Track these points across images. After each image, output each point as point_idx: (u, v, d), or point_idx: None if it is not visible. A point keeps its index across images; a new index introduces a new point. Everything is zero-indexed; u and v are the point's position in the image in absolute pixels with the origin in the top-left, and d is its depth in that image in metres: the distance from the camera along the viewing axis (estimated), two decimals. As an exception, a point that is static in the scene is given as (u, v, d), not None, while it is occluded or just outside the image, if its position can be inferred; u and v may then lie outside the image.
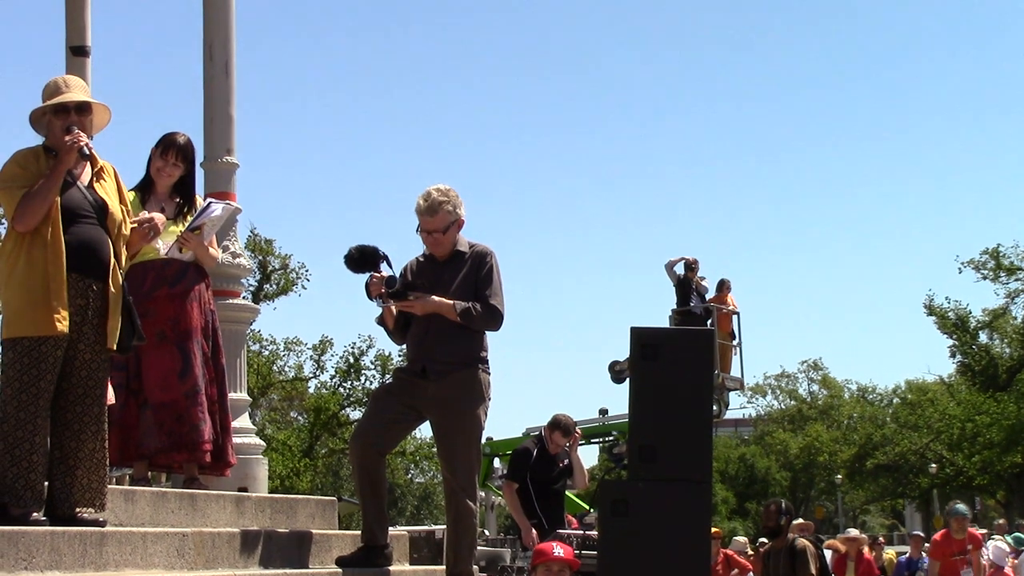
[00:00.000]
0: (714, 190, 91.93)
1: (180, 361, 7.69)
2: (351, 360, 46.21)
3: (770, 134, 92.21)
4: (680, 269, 22.68)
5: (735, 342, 23.40)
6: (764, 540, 14.15)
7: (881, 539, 23.92)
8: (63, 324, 6.02)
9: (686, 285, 22.49)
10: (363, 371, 46.22)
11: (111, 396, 7.38)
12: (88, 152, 6.24)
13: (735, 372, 23.47)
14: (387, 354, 45.11)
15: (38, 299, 6.01)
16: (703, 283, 22.93)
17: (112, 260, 6.28)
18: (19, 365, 6.01)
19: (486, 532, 25.39)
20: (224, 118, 9.82)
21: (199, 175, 9.53)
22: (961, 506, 15.24)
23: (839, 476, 56.69)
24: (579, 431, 12.31)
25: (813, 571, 10.80)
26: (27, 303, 6.02)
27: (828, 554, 13.98)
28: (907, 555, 17.74)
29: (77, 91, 6.39)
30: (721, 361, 21.99)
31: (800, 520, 15.44)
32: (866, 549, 16.81)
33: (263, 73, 76.81)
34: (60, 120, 6.27)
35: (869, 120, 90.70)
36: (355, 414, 44.49)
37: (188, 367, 7.69)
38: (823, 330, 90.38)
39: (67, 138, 6.20)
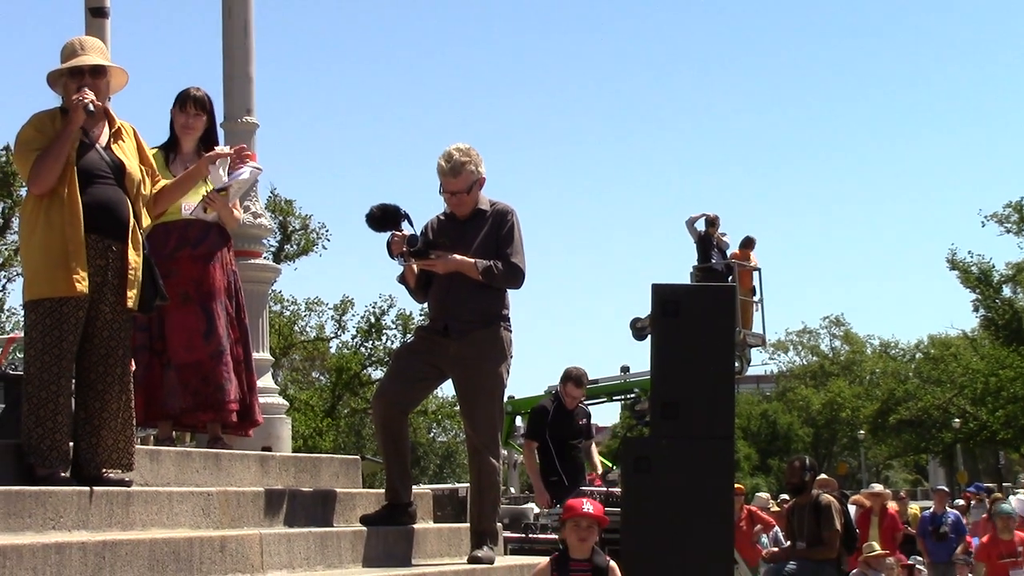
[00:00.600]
0: (735, 145, 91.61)
1: (204, 322, 7.71)
2: (372, 320, 46.34)
3: (792, 88, 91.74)
4: (701, 225, 22.60)
5: (756, 298, 23.34)
6: (786, 497, 14.12)
7: (903, 494, 23.90)
8: (82, 284, 6.03)
9: (707, 241, 22.41)
10: (384, 330, 46.38)
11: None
12: (93, 109, 6.20)
13: (756, 328, 23.42)
14: (408, 313, 45.28)
15: (57, 260, 6.03)
16: (724, 239, 22.85)
17: (131, 220, 6.29)
18: (41, 327, 6.04)
19: (511, 490, 25.47)
20: (244, 78, 9.81)
21: (220, 135, 9.55)
22: (1007, 505, 14.74)
23: (862, 432, 56.68)
24: (598, 471, 12.33)
25: (838, 526, 10.81)
26: (46, 264, 6.04)
27: (852, 509, 13.97)
28: (931, 510, 17.69)
29: (93, 53, 6.37)
30: (743, 317, 21.94)
31: (823, 476, 15.43)
32: (890, 504, 16.77)
33: (282, 32, 76.65)
34: (75, 83, 6.25)
35: (891, 73, 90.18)
36: (377, 374, 44.63)
37: (212, 327, 7.71)
38: (845, 286, 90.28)
39: (73, 97, 6.18)
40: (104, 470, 6.17)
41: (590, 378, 20.44)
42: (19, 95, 65.34)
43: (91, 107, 6.17)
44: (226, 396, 7.71)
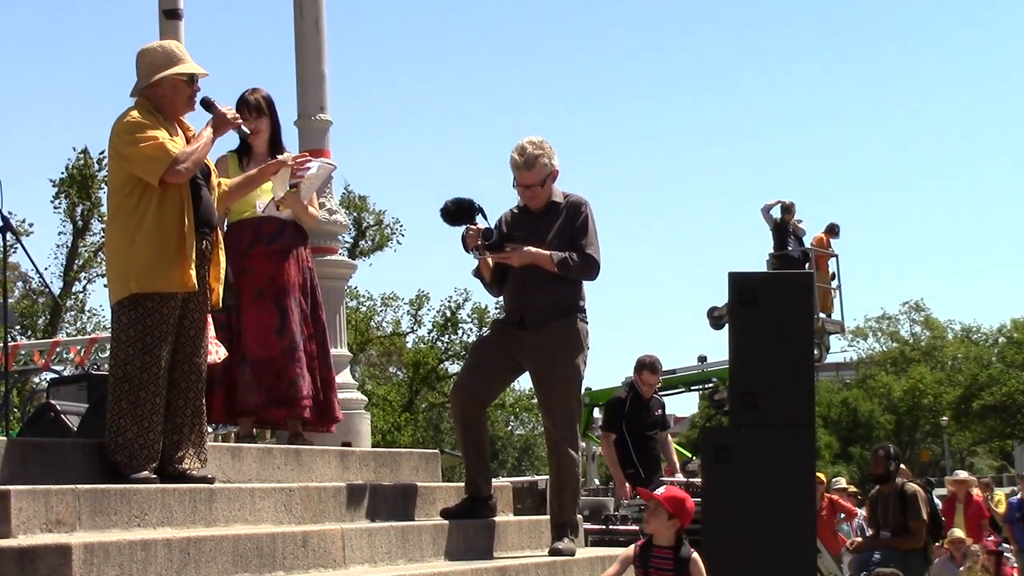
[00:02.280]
0: (812, 129, 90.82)
1: (278, 318, 7.74)
2: (448, 314, 46.42)
3: (869, 73, 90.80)
4: (776, 212, 22.43)
5: (835, 285, 23.14)
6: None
7: (988, 480, 23.55)
8: (193, 280, 6.15)
9: (783, 228, 22.24)
10: (460, 324, 46.45)
11: (223, 353, 7.51)
12: (248, 133, 6.71)
13: (835, 315, 23.22)
14: (483, 307, 45.29)
15: (170, 256, 6.10)
16: (800, 226, 22.66)
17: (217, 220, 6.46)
18: (141, 326, 6.08)
19: (595, 481, 25.43)
20: (316, 76, 9.86)
21: (294, 133, 9.60)
22: None
23: (944, 418, 56.01)
24: (675, 467, 12.23)
25: (924, 516, 10.67)
26: (158, 260, 6.08)
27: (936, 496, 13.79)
28: (1018, 496, 17.42)
29: (190, 59, 6.48)
30: (821, 304, 21.76)
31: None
32: (975, 491, 16.55)
33: (354, 28, 77.02)
34: (190, 89, 6.37)
35: (966, 56, 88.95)
36: (453, 368, 44.73)
37: (286, 324, 7.75)
38: (924, 270, 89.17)
39: (228, 114, 6.40)
40: (186, 467, 6.24)
41: (668, 368, 20.42)
42: (94, 96, 66.25)
43: (245, 129, 6.67)
44: (299, 392, 7.73)
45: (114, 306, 6.24)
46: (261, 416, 7.96)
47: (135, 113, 6.24)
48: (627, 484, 11.17)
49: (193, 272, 6.14)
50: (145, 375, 6.07)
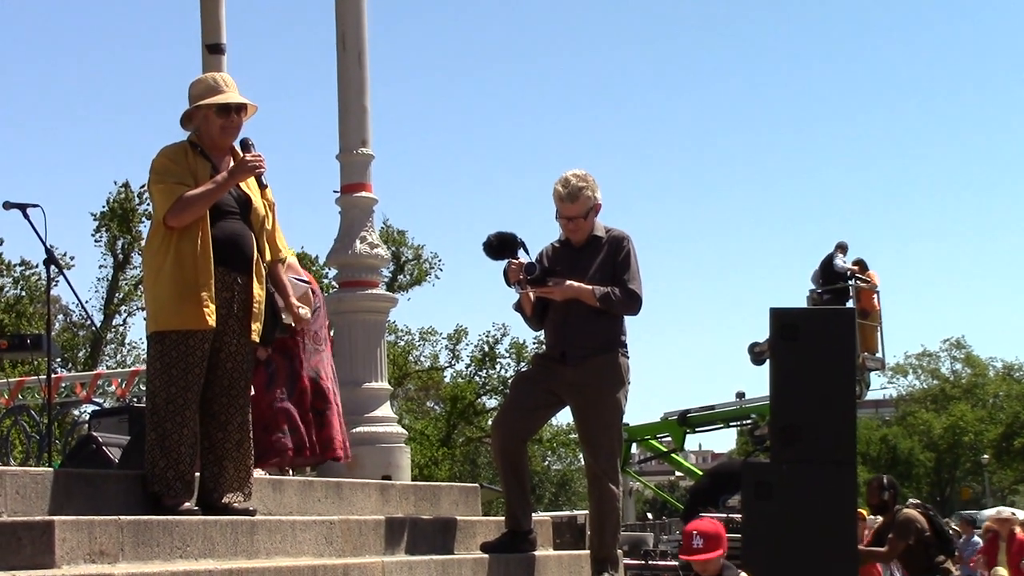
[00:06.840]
0: (852, 165, 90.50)
1: (264, 375, 7.78)
2: (486, 348, 46.48)
3: (907, 112, 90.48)
4: (841, 264, 22.29)
5: (877, 321, 22.98)
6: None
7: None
8: (211, 318, 6.13)
9: (829, 266, 22.20)
10: (498, 359, 46.47)
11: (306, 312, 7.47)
12: (264, 182, 6.40)
13: (877, 352, 23.05)
14: (521, 342, 45.36)
15: (187, 293, 6.11)
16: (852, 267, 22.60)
17: (255, 254, 6.38)
18: (167, 359, 6.13)
19: (649, 516, 25.33)
20: (358, 109, 9.92)
21: (335, 167, 9.63)
22: None
23: (986, 456, 55.53)
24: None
25: (909, 540, 10.59)
26: (176, 297, 6.12)
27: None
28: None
29: (234, 91, 6.47)
30: (864, 341, 21.62)
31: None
32: (1018, 529, 16.38)
33: (397, 62, 77.39)
34: (221, 119, 6.36)
35: (1004, 90, 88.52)
36: (491, 402, 44.77)
37: (273, 380, 7.78)
38: (965, 308, 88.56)
39: (248, 159, 6.31)
40: (227, 499, 6.26)
41: (706, 404, 20.29)
42: (135, 130, 66.83)
43: (264, 180, 6.39)
44: (285, 445, 7.73)
45: (147, 339, 6.35)
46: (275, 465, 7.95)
47: (165, 151, 6.31)
48: None
49: (212, 309, 6.12)
50: (171, 407, 6.10)
